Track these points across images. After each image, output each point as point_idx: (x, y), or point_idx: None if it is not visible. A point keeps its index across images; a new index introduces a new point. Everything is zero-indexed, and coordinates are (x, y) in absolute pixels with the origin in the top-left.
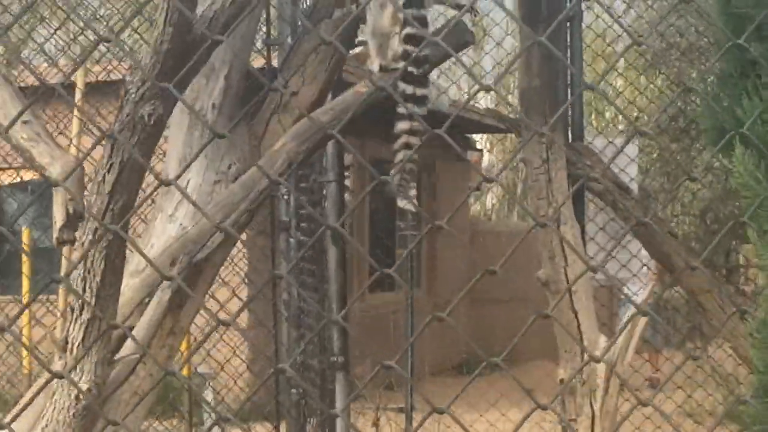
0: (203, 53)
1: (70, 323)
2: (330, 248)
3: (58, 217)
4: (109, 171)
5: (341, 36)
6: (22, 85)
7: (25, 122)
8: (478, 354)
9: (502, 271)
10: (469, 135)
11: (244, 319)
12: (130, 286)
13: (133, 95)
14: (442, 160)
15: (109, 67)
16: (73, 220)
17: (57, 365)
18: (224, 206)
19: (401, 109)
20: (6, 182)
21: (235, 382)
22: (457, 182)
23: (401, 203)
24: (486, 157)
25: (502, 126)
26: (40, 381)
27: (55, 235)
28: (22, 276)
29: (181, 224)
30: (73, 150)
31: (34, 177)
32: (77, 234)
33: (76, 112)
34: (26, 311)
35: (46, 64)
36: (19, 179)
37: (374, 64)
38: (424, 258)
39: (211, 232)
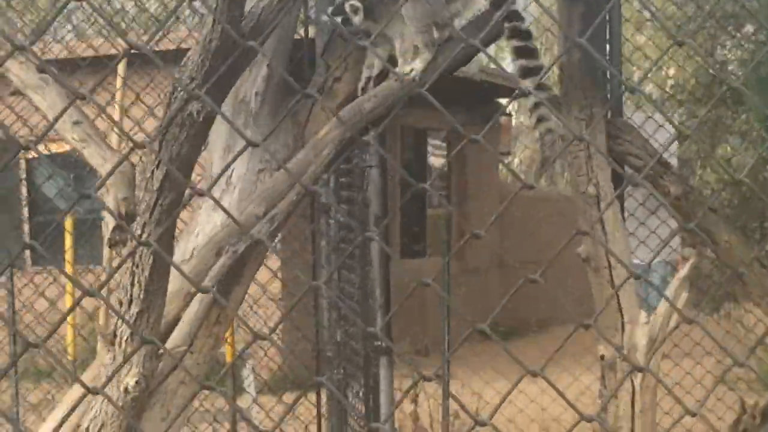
0: (250, 52)
1: (119, 317)
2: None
3: (111, 218)
4: (157, 167)
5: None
6: (50, 57)
7: (76, 123)
8: (508, 319)
9: (533, 234)
10: (498, 99)
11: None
12: (175, 276)
13: (182, 92)
14: (470, 124)
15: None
16: (126, 221)
17: (105, 358)
18: (269, 195)
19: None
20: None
21: (279, 367)
22: (487, 156)
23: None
24: (514, 121)
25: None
26: (88, 373)
27: (107, 236)
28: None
29: None
30: (115, 141)
31: (63, 150)
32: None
33: (118, 84)
34: (67, 297)
35: (73, 36)
36: (47, 152)
37: (419, 59)
38: (454, 224)
39: (256, 221)
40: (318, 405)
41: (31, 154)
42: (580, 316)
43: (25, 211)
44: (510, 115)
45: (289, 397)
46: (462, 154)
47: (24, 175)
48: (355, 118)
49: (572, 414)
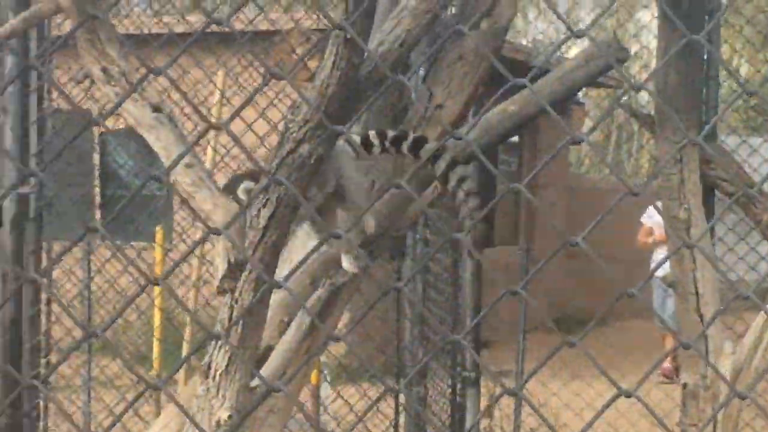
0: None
1: (214, 349)
2: (464, 260)
3: (220, 266)
4: (264, 206)
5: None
6: (125, 31)
7: (188, 166)
8: (574, 310)
9: (604, 228)
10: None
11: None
12: (271, 303)
13: (294, 134)
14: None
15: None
16: (235, 269)
17: (198, 390)
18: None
19: None
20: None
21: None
22: (559, 137)
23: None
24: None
25: (609, 83)
26: (179, 398)
27: (216, 284)
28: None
29: None
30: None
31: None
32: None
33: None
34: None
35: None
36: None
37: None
38: (522, 214)
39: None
40: (396, 408)
41: (102, 128)
42: (642, 311)
43: (97, 183)
44: (583, 104)
45: (367, 387)
46: (533, 140)
47: (97, 149)
48: (458, 148)
49: (650, 421)
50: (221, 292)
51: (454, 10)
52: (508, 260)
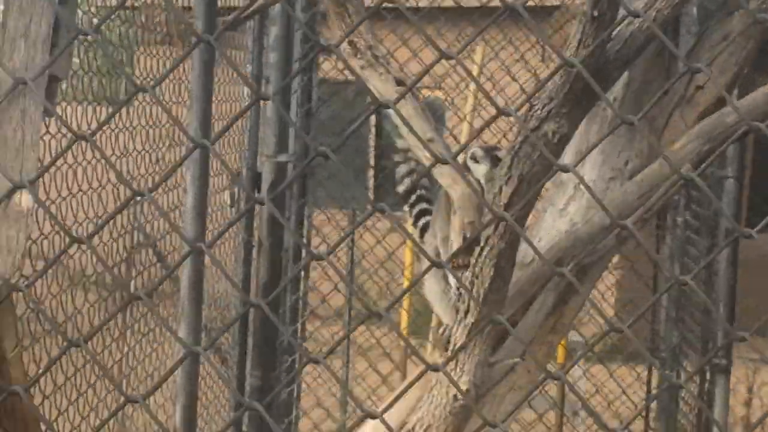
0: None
1: (455, 324)
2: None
3: (455, 241)
4: (507, 183)
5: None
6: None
7: (429, 140)
8: None
9: None
10: None
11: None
12: (514, 280)
13: (539, 111)
14: None
15: None
16: (470, 244)
17: (438, 362)
18: (617, 206)
19: None
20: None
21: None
22: None
23: None
24: None
25: None
26: (416, 372)
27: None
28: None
29: (571, 220)
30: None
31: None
32: None
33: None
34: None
35: None
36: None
37: None
38: None
39: (603, 233)
40: (648, 391)
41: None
42: None
43: (372, 156)
44: None
45: (620, 371)
46: None
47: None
48: (715, 131)
49: None
50: (456, 267)
51: None
52: None
